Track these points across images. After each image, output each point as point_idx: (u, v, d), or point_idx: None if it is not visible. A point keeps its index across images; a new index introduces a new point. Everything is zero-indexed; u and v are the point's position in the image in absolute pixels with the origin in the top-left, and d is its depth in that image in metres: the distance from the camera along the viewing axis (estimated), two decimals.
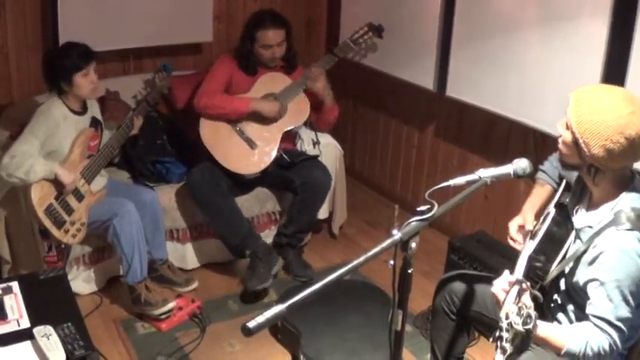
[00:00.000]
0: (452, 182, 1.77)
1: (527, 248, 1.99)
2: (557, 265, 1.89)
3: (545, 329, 1.70)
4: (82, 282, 3.15)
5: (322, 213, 3.69)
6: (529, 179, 2.16)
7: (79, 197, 2.92)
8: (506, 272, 1.85)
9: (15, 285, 2.23)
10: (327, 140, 3.73)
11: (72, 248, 2.99)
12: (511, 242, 2.13)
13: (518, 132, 3.32)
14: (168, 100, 3.74)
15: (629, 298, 1.69)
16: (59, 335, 1.94)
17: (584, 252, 1.79)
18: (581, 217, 1.90)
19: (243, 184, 3.42)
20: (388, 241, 1.57)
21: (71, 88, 2.87)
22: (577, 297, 1.85)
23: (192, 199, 3.29)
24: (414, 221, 1.62)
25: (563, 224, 1.94)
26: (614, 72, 2.62)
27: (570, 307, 1.90)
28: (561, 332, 1.73)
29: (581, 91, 1.78)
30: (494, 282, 1.81)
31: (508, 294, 1.68)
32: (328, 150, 3.68)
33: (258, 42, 3.39)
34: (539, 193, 2.20)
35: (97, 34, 3.31)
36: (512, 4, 3.09)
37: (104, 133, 3.14)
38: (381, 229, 3.97)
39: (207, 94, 3.35)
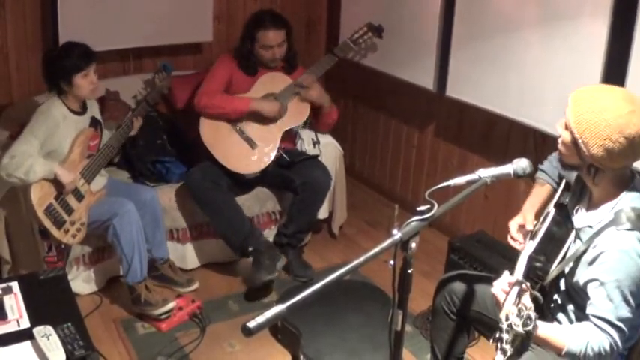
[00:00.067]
0: (452, 182, 1.77)
1: (527, 248, 1.99)
2: (557, 265, 1.88)
3: (545, 329, 1.70)
4: (82, 282, 3.15)
5: (322, 213, 3.69)
6: (529, 179, 2.16)
7: (79, 197, 2.92)
8: (506, 273, 1.85)
9: (15, 285, 2.23)
10: (327, 140, 3.73)
11: (72, 248, 2.99)
12: (511, 242, 2.13)
13: (518, 132, 3.32)
14: (168, 100, 3.74)
15: (629, 297, 1.69)
16: (59, 335, 1.94)
17: (584, 252, 1.79)
18: (581, 217, 1.90)
19: (243, 183, 3.42)
20: (388, 241, 1.57)
21: (71, 89, 2.87)
22: (577, 297, 1.85)
23: (193, 198, 3.29)
24: (414, 221, 1.62)
25: (563, 224, 1.94)
26: (614, 72, 2.62)
27: (570, 307, 1.90)
28: (562, 332, 1.73)
29: (580, 91, 1.78)
30: (494, 283, 1.81)
31: (508, 295, 1.68)
32: (328, 150, 3.68)
33: (258, 42, 3.39)
34: (538, 193, 2.20)
35: (97, 34, 3.31)
36: (512, 4, 3.09)
37: (104, 133, 3.14)
38: (381, 229, 3.97)
39: (207, 94, 3.36)
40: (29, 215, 2.80)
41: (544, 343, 1.73)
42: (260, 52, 3.42)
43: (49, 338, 1.91)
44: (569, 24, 2.80)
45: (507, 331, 1.56)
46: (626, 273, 1.68)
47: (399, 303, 1.67)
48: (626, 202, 1.76)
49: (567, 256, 1.88)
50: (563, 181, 2.09)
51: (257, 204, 3.53)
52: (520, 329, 1.55)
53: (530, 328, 1.55)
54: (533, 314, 1.57)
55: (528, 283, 1.70)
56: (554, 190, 2.14)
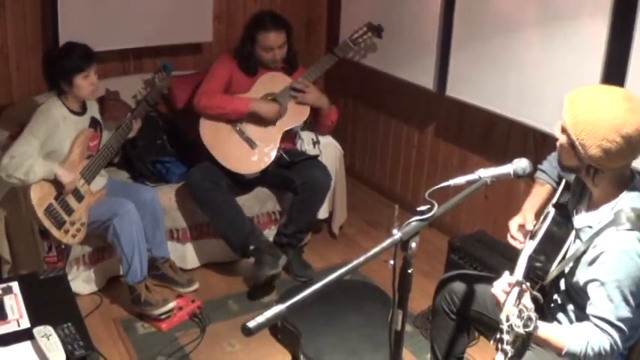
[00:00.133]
0: (452, 182, 1.77)
1: (527, 248, 1.99)
2: (557, 265, 1.88)
3: (545, 330, 1.70)
4: (82, 282, 3.15)
5: (322, 213, 3.69)
6: (529, 179, 2.16)
7: (79, 197, 2.92)
8: (506, 273, 1.85)
9: (15, 285, 2.23)
10: (327, 140, 3.73)
11: (72, 248, 2.99)
12: (511, 241, 2.13)
13: (518, 132, 3.32)
14: (168, 100, 3.74)
15: (630, 298, 1.69)
16: (59, 335, 1.94)
17: (584, 252, 1.79)
18: (581, 217, 1.90)
19: (243, 183, 3.42)
20: (388, 241, 1.57)
21: (71, 89, 2.87)
22: (577, 297, 1.85)
23: (193, 198, 3.29)
24: (414, 221, 1.62)
25: (563, 224, 1.94)
26: (614, 72, 2.62)
27: (570, 307, 1.90)
28: (562, 332, 1.73)
29: (576, 92, 1.78)
30: (495, 283, 1.81)
31: (508, 295, 1.68)
32: (328, 150, 3.68)
33: (258, 44, 3.39)
34: (538, 193, 2.20)
35: (97, 34, 3.31)
36: (512, 4, 3.09)
37: (103, 133, 3.14)
38: (381, 229, 3.97)
39: (206, 94, 3.36)
40: (29, 215, 2.80)
41: (544, 344, 1.73)
42: (260, 54, 3.42)
43: (49, 338, 1.91)
44: (569, 24, 2.80)
45: (508, 332, 1.56)
46: (626, 273, 1.68)
47: (399, 303, 1.67)
48: (626, 202, 1.76)
49: (567, 257, 1.88)
50: (563, 181, 2.09)
51: (257, 204, 3.53)
52: (521, 330, 1.55)
53: (531, 329, 1.55)
54: (533, 315, 1.56)
55: (528, 284, 1.70)
56: (554, 190, 2.14)
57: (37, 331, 1.94)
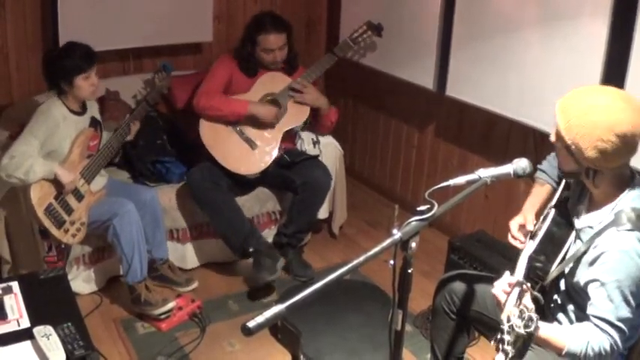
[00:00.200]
0: (452, 182, 1.77)
1: (527, 248, 1.99)
2: (558, 265, 1.88)
3: (546, 330, 1.70)
4: (82, 282, 3.15)
5: (322, 213, 3.69)
6: (529, 179, 2.16)
7: (79, 197, 2.92)
8: (507, 273, 1.85)
9: (15, 285, 2.23)
10: (327, 140, 3.73)
11: (72, 248, 2.99)
12: (512, 241, 2.13)
13: (518, 132, 3.32)
14: (168, 100, 3.74)
15: (630, 298, 1.69)
16: (59, 335, 1.94)
17: (585, 252, 1.79)
18: (581, 218, 1.90)
19: (243, 184, 3.42)
20: (388, 241, 1.57)
21: (71, 89, 2.86)
22: (577, 297, 1.85)
23: (193, 198, 3.29)
24: (414, 221, 1.62)
25: (563, 224, 1.94)
26: (614, 72, 2.62)
27: (570, 307, 1.90)
28: (562, 333, 1.73)
29: (566, 97, 1.79)
30: (495, 283, 1.81)
31: (509, 296, 1.68)
32: (328, 150, 3.68)
33: (259, 46, 3.39)
34: (538, 193, 2.20)
35: (97, 34, 3.30)
36: (512, 4, 3.09)
37: (103, 133, 3.14)
38: (381, 229, 3.97)
39: (206, 95, 3.35)
40: (29, 215, 2.80)
41: (545, 344, 1.73)
42: (261, 55, 3.42)
43: (49, 338, 1.91)
44: (569, 24, 2.80)
45: (509, 333, 1.56)
46: (626, 273, 1.68)
47: (399, 303, 1.67)
48: (626, 203, 1.76)
49: (567, 257, 1.88)
50: (563, 181, 2.09)
51: (257, 204, 3.53)
52: (522, 331, 1.55)
53: (531, 329, 1.55)
54: (534, 316, 1.56)
55: (529, 284, 1.70)
56: (554, 190, 2.14)
57: (37, 330, 1.94)
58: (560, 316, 1.93)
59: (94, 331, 2.45)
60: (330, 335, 2.81)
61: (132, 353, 2.81)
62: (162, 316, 2.97)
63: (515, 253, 2.06)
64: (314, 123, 3.63)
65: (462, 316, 2.23)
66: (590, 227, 1.83)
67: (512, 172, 1.86)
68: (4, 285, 2.23)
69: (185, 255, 3.44)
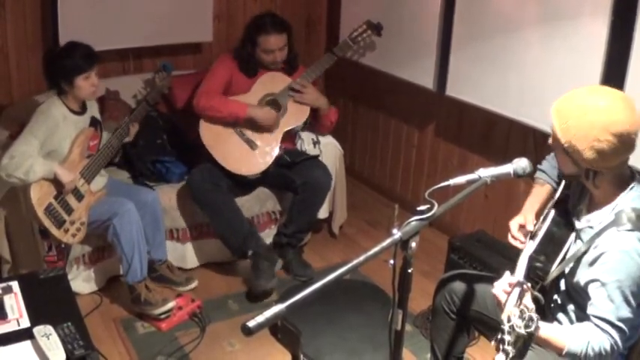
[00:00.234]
0: (452, 182, 1.77)
1: (527, 248, 1.99)
2: (558, 265, 1.88)
3: (546, 330, 1.70)
4: (82, 281, 3.15)
5: (322, 213, 3.69)
6: (529, 179, 2.16)
7: (79, 197, 2.92)
8: (507, 273, 1.85)
9: (15, 284, 2.23)
10: (327, 140, 3.73)
11: (72, 248, 2.99)
12: (512, 241, 2.13)
13: (518, 132, 3.32)
14: (168, 99, 3.73)
15: (630, 298, 1.69)
16: (59, 335, 1.94)
17: (585, 252, 1.79)
18: (581, 218, 1.90)
19: (244, 184, 3.42)
20: (388, 241, 1.57)
21: (71, 89, 2.86)
22: (577, 297, 1.85)
23: (193, 199, 3.29)
24: (413, 221, 1.62)
25: (563, 224, 1.94)
26: (614, 72, 2.62)
27: (571, 307, 1.90)
28: (562, 333, 1.73)
29: (560, 101, 1.80)
30: (495, 283, 1.81)
31: (509, 296, 1.68)
32: (328, 149, 3.68)
33: (259, 47, 3.39)
34: (538, 193, 2.20)
35: (97, 33, 3.30)
36: (512, 4, 3.09)
37: (103, 133, 3.14)
38: (381, 229, 3.97)
39: (205, 95, 3.35)
40: (29, 215, 2.80)
41: (545, 344, 1.73)
42: (261, 56, 3.41)
43: (49, 338, 1.91)
44: (569, 24, 2.80)
45: (509, 333, 1.56)
46: (627, 273, 1.68)
47: (399, 302, 1.67)
48: (626, 203, 1.77)
49: (568, 257, 1.88)
50: (563, 181, 2.09)
51: (257, 204, 3.53)
52: (522, 331, 1.55)
53: (532, 329, 1.55)
54: (535, 316, 1.56)
55: (529, 284, 1.70)
56: (554, 190, 2.14)
57: (37, 330, 1.94)
58: (561, 316, 1.93)
59: (94, 331, 2.44)
60: (330, 335, 2.81)
61: (132, 353, 2.81)
62: (162, 316, 2.97)
63: (515, 252, 2.06)
64: (314, 123, 3.63)
65: (461, 316, 2.23)
66: (591, 227, 1.83)
67: (512, 172, 1.86)
68: (4, 285, 2.23)
69: (185, 255, 3.44)
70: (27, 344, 1.95)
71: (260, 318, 1.37)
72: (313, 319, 2.85)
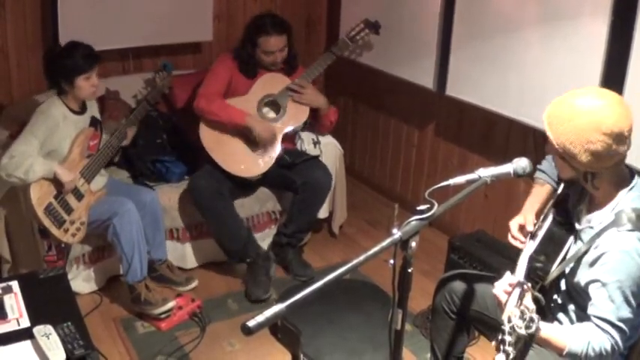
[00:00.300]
0: (452, 181, 1.77)
1: (527, 248, 1.99)
2: (558, 265, 1.88)
3: (547, 330, 1.70)
4: (81, 281, 3.15)
5: (322, 212, 3.69)
6: (529, 179, 2.16)
7: (79, 196, 2.92)
8: (508, 273, 1.85)
9: (15, 284, 2.23)
10: (327, 140, 3.73)
11: (72, 247, 2.99)
12: (512, 241, 2.13)
13: (518, 131, 3.32)
14: (169, 99, 3.73)
15: (631, 298, 1.69)
16: (59, 334, 1.94)
17: (585, 253, 1.79)
18: (581, 218, 1.90)
19: (245, 185, 3.41)
20: (388, 241, 1.57)
21: (72, 89, 2.86)
22: (578, 297, 1.85)
23: (194, 204, 3.28)
24: (413, 220, 1.62)
25: (563, 224, 1.95)
26: (614, 72, 2.62)
27: (571, 307, 1.90)
28: (563, 333, 1.73)
29: (550, 107, 1.81)
30: (496, 284, 1.81)
31: (510, 296, 1.68)
32: (328, 149, 3.68)
33: (259, 47, 3.38)
34: (538, 193, 2.20)
35: (97, 33, 3.30)
36: (512, 4, 3.09)
37: (103, 133, 3.14)
38: (380, 229, 3.97)
39: (205, 97, 3.34)
40: (29, 214, 2.80)
41: (545, 344, 1.73)
42: (261, 57, 3.41)
43: (49, 337, 1.91)
44: (569, 24, 2.80)
45: (510, 334, 1.56)
46: (627, 274, 1.68)
47: (399, 302, 1.67)
48: (626, 203, 1.77)
49: (568, 257, 1.88)
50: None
51: (257, 204, 3.53)
52: (523, 331, 1.55)
53: (533, 330, 1.55)
54: (535, 316, 1.56)
55: (530, 284, 1.70)
56: (554, 190, 2.14)
57: (37, 330, 1.94)
58: (561, 315, 1.93)
59: (93, 331, 2.45)
60: (330, 335, 2.81)
61: (132, 353, 2.80)
62: (162, 316, 2.97)
63: (515, 252, 2.06)
64: (314, 123, 3.63)
65: (461, 316, 2.23)
66: (591, 227, 1.83)
67: (512, 172, 1.86)
68: (4, 284, 2.23)
69: (185, 254, 3.44)
70: (27, 344, 1.95)
71: (260, 318, 1.37)
72: (313, 319, 2.85)
